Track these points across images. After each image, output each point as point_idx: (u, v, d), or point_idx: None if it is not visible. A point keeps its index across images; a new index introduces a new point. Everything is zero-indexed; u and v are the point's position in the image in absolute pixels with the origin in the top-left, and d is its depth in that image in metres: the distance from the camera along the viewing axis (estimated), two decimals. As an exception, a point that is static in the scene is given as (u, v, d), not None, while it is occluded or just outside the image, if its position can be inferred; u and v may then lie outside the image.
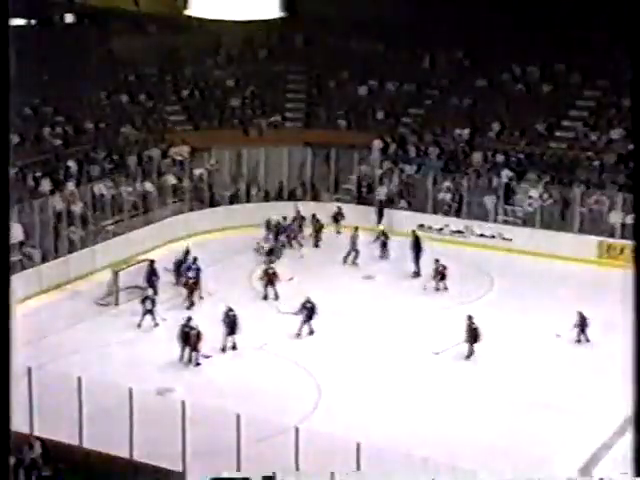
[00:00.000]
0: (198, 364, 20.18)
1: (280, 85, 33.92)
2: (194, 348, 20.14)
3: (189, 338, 20.10)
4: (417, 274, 25.23)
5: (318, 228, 27.86)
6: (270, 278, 23.59)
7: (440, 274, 24.09)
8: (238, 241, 27.28)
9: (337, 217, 28.62)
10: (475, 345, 20.24)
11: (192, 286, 23.45)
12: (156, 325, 22.21)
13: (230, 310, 20.97)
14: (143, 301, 22.43)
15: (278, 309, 20.26)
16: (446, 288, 24.13)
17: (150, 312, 22.20)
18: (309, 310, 21.23)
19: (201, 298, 23.51)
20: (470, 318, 20.41)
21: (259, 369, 20.20)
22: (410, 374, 19.69)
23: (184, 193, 29.51)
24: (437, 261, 24.33)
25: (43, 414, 16.34)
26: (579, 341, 21.09)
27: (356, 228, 26.65)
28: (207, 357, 20.32)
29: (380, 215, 29.10)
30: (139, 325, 22.13)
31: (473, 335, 20.17)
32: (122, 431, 15.54)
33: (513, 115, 30.96)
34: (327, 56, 34.23)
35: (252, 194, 30.47)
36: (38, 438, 15.75)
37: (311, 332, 21.35)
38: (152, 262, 24.34)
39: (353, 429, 16.44)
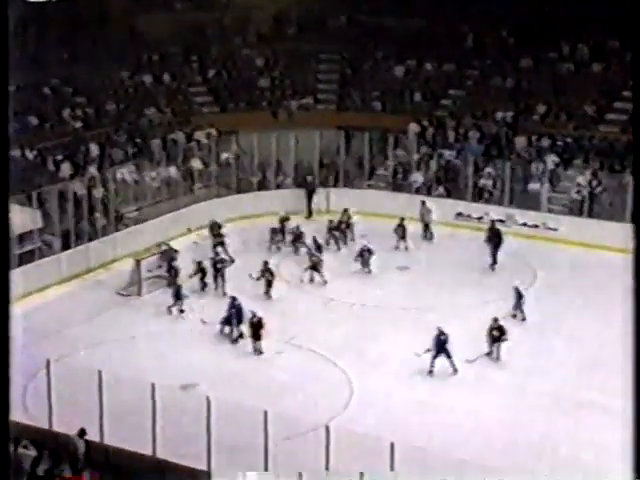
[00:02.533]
0: (261, 353, 20.49)
1: (312, 65, 33.91)
2: (257, 337, 20.46)
3: (254, 328, 20.51)
4: (493, 267, 25.12)
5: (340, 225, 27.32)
6: (268, 277, 23.25)
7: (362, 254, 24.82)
8: (266, 229, 27.28)
9: (399, 230, 26.70)
10: (497, 345, 19.94)
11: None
12: (181, 312, 22.38)
13: (234, 299, 21.29)
14: (169, 285, 22.93)
15: (415, 354, 19.43)
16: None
17: (177, 298, 22.40)
18: (442, 343, 19.50)
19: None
20: (496, 320, 20.06)
21: (287, 364, 20.25)
22: (446, 371, 19.59)
23: (210, 178, 29.65)
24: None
25: (62, 408, 16.53)
26: (514, 316, 21.55)
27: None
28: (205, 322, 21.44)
29: (309, 198, 29.23)
30: (169, 311, 22.44)
31: (492, 337, 19.89)
32: (145, 427, 15.67)
33: (560, 97, 30.66)
34: (362, 34, 34.15)
35: (281, 180, 30.51)
36: (81, 435, 15.88)
37: (455, 370, 19.52)
38: (175, 251, 24.52)
39: (386, 428, 16.44)
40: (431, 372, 19.48)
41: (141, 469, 15.32)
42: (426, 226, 27.23)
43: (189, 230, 25.01)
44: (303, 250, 25.95)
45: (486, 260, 25.34)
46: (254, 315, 20.77)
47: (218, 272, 23.76)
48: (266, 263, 23.56)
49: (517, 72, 31.79)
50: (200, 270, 23.77)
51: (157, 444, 15.62)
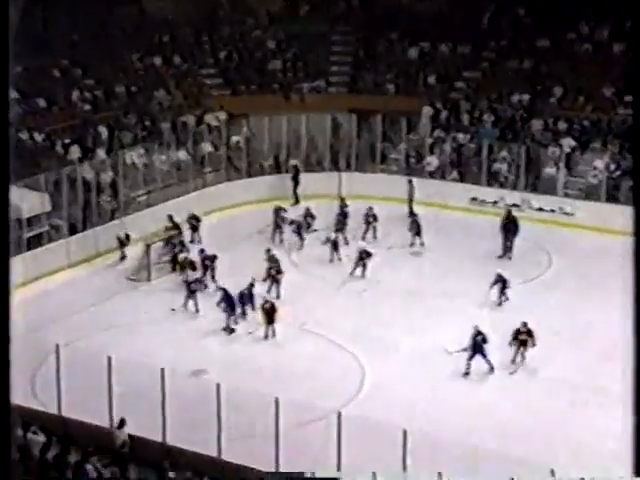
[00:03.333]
0: (274, 336, 20.55)
1: (324, 47, 33.75)
2: (270, 322, 20.53)
3: (268, 313, 20.53)
4: (509, 256, 24.80)
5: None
6: (274, 277, 22.53)
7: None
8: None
9: (414, 226, 25.82)
10: (522, 351, 19.39)
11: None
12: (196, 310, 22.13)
13: (226, 291, 21.18)
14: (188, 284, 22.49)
15: (447, 350, 19.18)
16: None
17: (191, 293, 22.09)
18: (480, 342, 18.94)
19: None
20: (525, 325, 19.31)
21: (299, 350, 20.28)
22: (460, 358, 19.52)
23: (220, 162, 29.63)
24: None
25: (71, 394, 16.61)
26: (500, 304, 21.80)
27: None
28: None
29: (295, 184, 28.92)
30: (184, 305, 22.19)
31: (519, 341, 19.30)
32: (154, 414, 15.75)
33: (578, 78, 30.43)
34: (375, 15, 33.95)
35: (292, 164, 30.44)
36: (121, 425, 15.87)
37: (492, 369, 19.09)
38: (179, 234, 24.53)
39: (398, 414, 16.46)
40: (467, 374, 19.00)
41: (150, 454, 15.38)
42: (410, 202, 27.58)
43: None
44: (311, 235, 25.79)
45: (493, 246, 25.01)
46: (266, 301, 20.79)
47: (206, 269, 23.12)
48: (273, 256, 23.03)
49: (534, 54, 31.55)
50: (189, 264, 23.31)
51: (167, 430, 15.70)
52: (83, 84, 30.50)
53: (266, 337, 20.64)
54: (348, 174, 29.86)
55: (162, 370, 15.64)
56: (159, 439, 15.74)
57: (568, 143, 28.50)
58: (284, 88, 32.47)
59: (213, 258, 23.35)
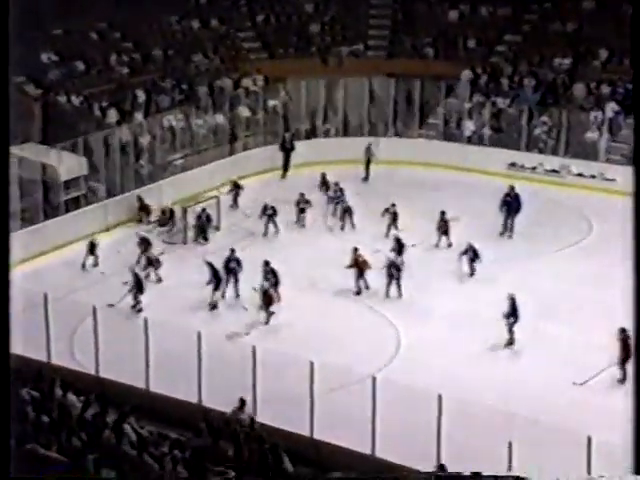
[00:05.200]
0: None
1: (362, 10, 33.50)
2: (268, 306, 19.83)
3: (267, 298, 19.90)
4: (510, 234, 24.28)
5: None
6: (360, 267, 21.04)
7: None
8: (314, 179, 27.20)
9: (442, 226, 23.66)
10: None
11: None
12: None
13: (211, 264, 20.80)
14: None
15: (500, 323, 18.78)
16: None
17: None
18: (515, 310, 18.78)
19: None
20: (622, 331, 17.19)
21: (335, 315, 20.31)
22: (496, 324, 19.45)
23: (257, 126, 29.61)
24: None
25: (108, 355, 16.84)
26: (472, 274, 21.58)
27: None
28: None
29: (287, 156, 28.45)
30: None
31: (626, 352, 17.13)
32: (190, 375, 15.91)
33: (624, 40, 29.77)
34: (414, -23, 33.57)
35: (330, 128, 30.37)
36: (242, 406, 15.15)
37: (511, 342, 18.85)
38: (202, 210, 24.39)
39: (433, 380, 16.44)
40: (511, 343, 18.79)
41: (186, 416, 15.55)
42: (367, 167, 27.76)
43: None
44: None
45: (532, 212, 24.71)
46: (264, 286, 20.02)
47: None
48: (356, 250, 21.28)
49: (578, 16, 31.00)
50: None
51: (202, 392, 15.87)
52: (121, 47, 30.58)
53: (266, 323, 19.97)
54: (386, 139, 29.70)
55: (199, 333, 15.77)
56: (195, 400, 15.93)
57: (612, 107, 28.06)
58: (322, 52, 32.31)
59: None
